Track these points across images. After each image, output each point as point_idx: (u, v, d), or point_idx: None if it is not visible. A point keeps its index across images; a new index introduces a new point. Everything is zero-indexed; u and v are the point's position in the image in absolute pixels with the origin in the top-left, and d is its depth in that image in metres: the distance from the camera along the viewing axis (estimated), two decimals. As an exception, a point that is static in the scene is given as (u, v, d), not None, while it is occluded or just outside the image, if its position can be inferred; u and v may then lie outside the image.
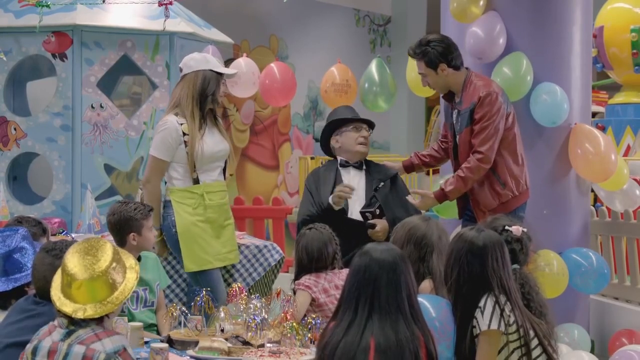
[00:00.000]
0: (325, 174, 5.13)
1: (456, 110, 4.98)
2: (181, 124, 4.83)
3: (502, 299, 3.35)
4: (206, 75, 4.88)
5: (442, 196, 4.91)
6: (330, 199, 4.94)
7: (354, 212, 5.00)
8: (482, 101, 4.82)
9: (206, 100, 4.87)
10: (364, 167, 5.15)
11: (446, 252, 3.53)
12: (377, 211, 4.93)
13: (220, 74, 4.91)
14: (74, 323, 2.95)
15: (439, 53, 4.90)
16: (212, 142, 4.90)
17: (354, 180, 5.08)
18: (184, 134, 4.82)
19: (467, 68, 4.99)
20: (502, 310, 3.32)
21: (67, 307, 2.93)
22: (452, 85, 4.98)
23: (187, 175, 4.86)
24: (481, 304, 3.34)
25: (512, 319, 3.34)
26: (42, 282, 3.29)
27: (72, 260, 2.95)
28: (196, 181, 4.86)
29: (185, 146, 4.81)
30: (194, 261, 4.84)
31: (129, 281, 3.01)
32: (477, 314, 3.34)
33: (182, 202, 4.84)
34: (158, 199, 4.89)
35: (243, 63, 5.83)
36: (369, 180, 5.09)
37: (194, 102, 4.85)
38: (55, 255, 3.30)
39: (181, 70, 4.96)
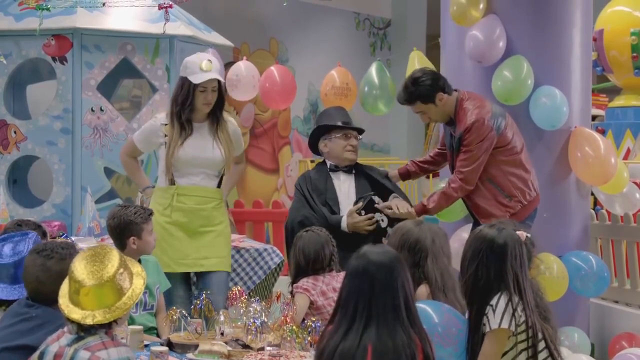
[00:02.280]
0: (316, 178, 5.06)
1: (453, 134, 4.98)
2: (165, 124, 4.86)
3: (515, 298, 3.36)
4: (183, 82, 4.83)
5: (422, 211, 4.91)
6: (345, 224, 4.86)
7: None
8: (470, 128, 4.81)
9: (183, 108, 4.78)
10: (354, 170, 5.10)
11: (464, 249, 3.52)
12: (365, 204, 4.89)
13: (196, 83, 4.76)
14: (83, 330, 2.95)
15: (430, 85, 4.87)
16: (195, 149, 4.82)
17: (344, 185, 5.05)
18: (165, 135, 4.84)
19: (455, 90, 4.97)
20: (515, 310, 3.33)
21: (75, 314, 2.93)
22: (451, 112, 4.94)
23: (164, 175, 4.88)
24: (493, 302, 3.35)
25: (522, 319, 3.35)
26: (34, 284, 3.28)
27: (79, 268, 2.94)
28: (172, 182, 4.86)
29: (165, 147, 4.83)
30: None
31: (136, 287, 3.01)
32: (489, 311, 3.34)
33: (156, 201, 4.87)
34: (130, 165, 5.07)
35: (243, 66, 5.82)
36: (359, 184, 5.06)
37: (173, 107, 4.83)
38: (46, 256, 3.28)
39: None
